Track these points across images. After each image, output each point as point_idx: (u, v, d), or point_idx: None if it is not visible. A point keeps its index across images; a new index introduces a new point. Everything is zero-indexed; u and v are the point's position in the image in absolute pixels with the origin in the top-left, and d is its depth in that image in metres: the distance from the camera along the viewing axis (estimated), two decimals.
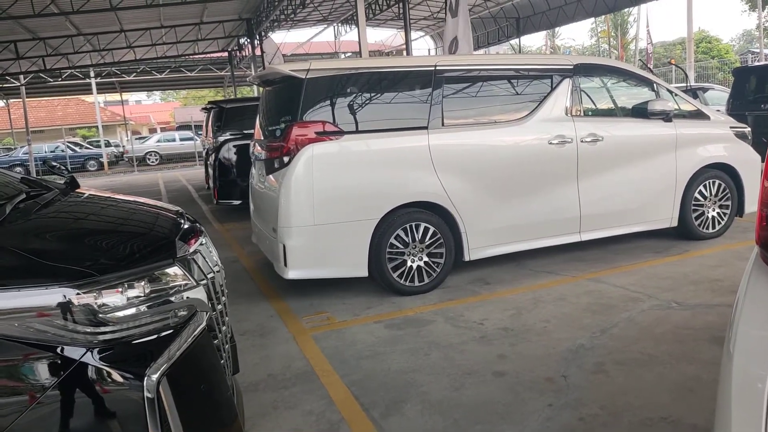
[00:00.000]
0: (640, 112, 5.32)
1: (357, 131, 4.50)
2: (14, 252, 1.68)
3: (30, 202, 2.21)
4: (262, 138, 5.28)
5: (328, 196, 4.34)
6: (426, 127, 4.61)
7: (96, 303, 1.66)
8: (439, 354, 3.49)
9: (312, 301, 4.63)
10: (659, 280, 4.55)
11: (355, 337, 3.86)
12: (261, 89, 5.91)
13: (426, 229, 4.56)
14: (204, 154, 11.76)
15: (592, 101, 5.41)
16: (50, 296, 1.61)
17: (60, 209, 2.30)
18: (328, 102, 4.49)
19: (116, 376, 1.66)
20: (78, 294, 1.63)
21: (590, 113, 5.30)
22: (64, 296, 1.62)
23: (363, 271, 4.45)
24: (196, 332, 1.90)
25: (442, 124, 4.66)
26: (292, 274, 4.37)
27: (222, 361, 2.16)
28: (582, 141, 5.03)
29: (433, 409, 2.88)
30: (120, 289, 1.73)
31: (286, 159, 4.43)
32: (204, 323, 1.96)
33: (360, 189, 4.41)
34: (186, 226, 2.27)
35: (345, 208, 4.37)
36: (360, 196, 4.40)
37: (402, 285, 4.53)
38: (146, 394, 1.67)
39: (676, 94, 5.61)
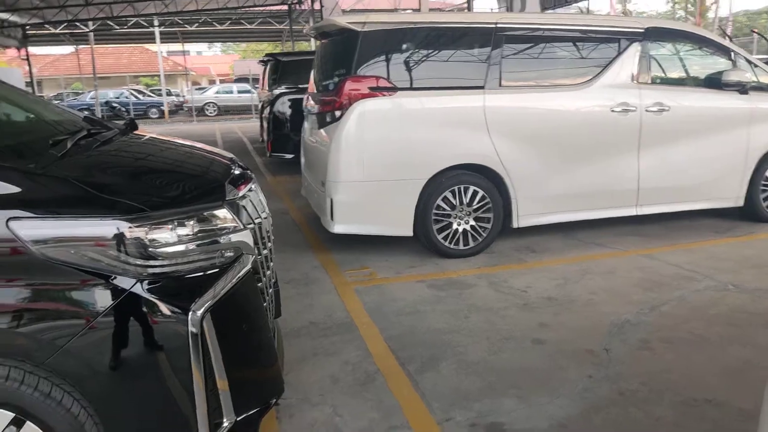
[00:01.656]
0: (714, 82, 5.02)
1: (411, 88, 4.42)
2: (74, 184, 1.74)
3: (90, 140, 2.28)
4: (316, 92, 5.27)
5: (378, 153, 4.32)
6: (482, 87, 4.48)
7: (147, 237, 1.71)
8: (479, 317, 3.48)
9: (356, 256, 4.67)
10: (718, 261, 4.36)
11: (396, 293, 3.88)
12: (317, 43, 5.87)
13: (475, 193, 4.49)
14: (259, 107, 11.87)
15: (662, 68, 5.13)
16: (105, 228, 1.67)
17: (118, 148, 2.36)
18: (383, 57, 4.42)
19: (163, 308, 1.72)
20: (130, 227, 1.68)
21: (658, 81, 5.03)
22: (118, 228, 1.68)
23: (408, 231, 4.44)
24: (240, 273, 1.94)
25: (500, 85, 4.52)
26: (337, 228, 4.40)
27: (265, 304, 2.21)
28: (647, 110, 4.80)
29: (468, 369, 2.88)
30: (170, 226, 1.77)
31: (338, 113, 4.42)
32: (249, 266, 2.01)
33: (410, 147, 4.36)
34: (236, 172, 2.30)
35: (394, 166, 4.34)
36: (410, 154, 4.36)
37: (446, 247, 4.50)
38: (190, 328, 1.73)
39: (755, 65, 5.25)
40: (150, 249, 1.72)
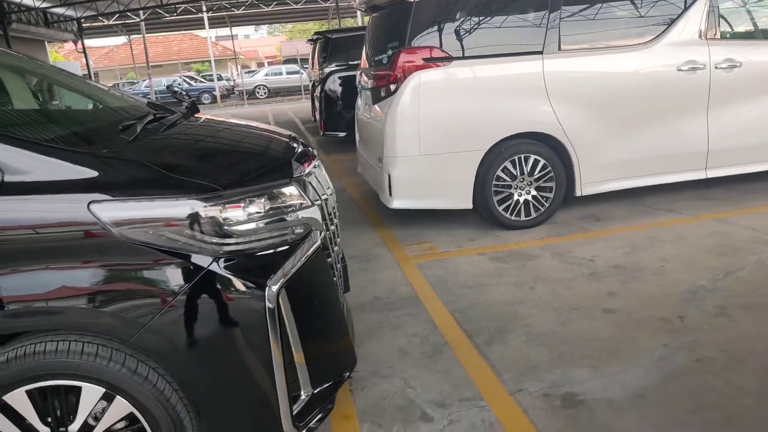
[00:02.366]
0: None
1: (466, 57, 4.32)
2: (148, 166, 1.79)
3: (156, 123, 2.33)
4: (368, 67, 5.23)
5: (435, 126, 4.26)
6: (540, 52, 4.34)
7: (221, 216, 1.75)
8: (545, 288, 3.42)
9: (415, 231, 4.66)
10: None
11: (458, 267, 3.86)
12: (367, 18, 5.81)
13: (536, 162, 4.38)
14: (310, 86, 11.93)
15: (731, 23, 4.82)
16: (180, 208, 1.71)
17: (184, 130, 2.41)
18: (436, 26, 4.33)
19: (240, 285, 1.76)
20: (205, 207, 1.72)
21: (728, 36, 4.73)
22: (193, 208, 1.71)
23: (467, 204, 4.39)
24: (311, 249, 1.96)
25: (559, 49, 4.36)
26: (396, 203, 4.40)
27: (334, 279, 2.23)
28: (716, 67, 4.53)
29: (537, 340, 2.84)
30: (242, 204, 1.80)
31: (392, 87, 4.37)
32: (319, 241, 2.02)
33: (467, 118, 4.28)
34: (300, 149, 2.31)
35: (451, 139, 4.28)
36: (467, 125, 4.28)
37: (507, 219, 4.43)
38: (267, 303, 1.76)
39: None
40: (225, 227, 1.75)
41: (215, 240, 1.73)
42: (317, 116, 9.56)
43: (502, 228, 4.47)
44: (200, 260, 1.72)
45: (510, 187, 4.39)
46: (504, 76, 4.35)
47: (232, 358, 1.79)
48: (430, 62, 4.27)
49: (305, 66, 20.76)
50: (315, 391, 2.00)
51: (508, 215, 4.42)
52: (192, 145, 2.26)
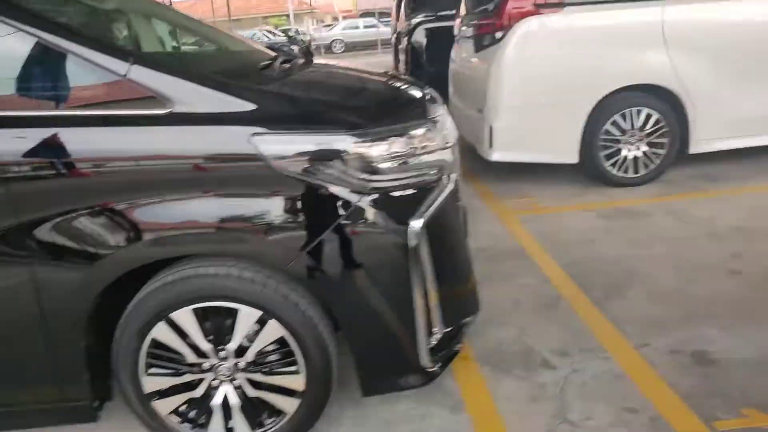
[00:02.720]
0: None
1: (579, 3, 4.11)
2: (301, 101, 1.82)
3: (288, 65, 2.36)
4: (469, 14, 5.08)
5: (543, 75, 4.11)
6: None
7: (369, 152, 1.76)
8: (662, 247, 3.29)
9: (513, 186, 4.57)
10: None
11: (563, 222, 3.77)
12: None
13: (648, 116, 4.16)
14: (393, 38, 11.75)
15: None
16: (334, 142, 1.74)
17: (315, 71, 2.43)
18: None
19: (385, 222, 1.79)
20: (356, 143, 1.74)
21: None
22: (345, 143, 1.73)
23: (573, 158, 4.24)
24: (446, 191, 1.95)
25: None
26: (496, 156, 4.31)
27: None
28: None
29: (660, 298, 2.75)
30: (388, 142, 1.80)
31: (498, 35, 4.24)
32: (452, 183, 2.01)
33: (578, 68, 4.10)
34: (430, 94, 2.28)
35: (560, 89, 4.11)
36: (578, 75, 4.10)
37: (614, 175, 4.26)
38: (410, 241, 1.78)
39: None
40: (372, 164, 1.77)
41: (364, 176, 1.75)
42: (402, 68, 9.44)
43: (608, 185, 4.31)
44: (350, 195, 1.75)
45: (619, 142, 4.20)
46: (619, 24, 4.11)
47: (375, 291, 1.83)
48: (540, 8, 4.09)
49: (382, 20, 20.49)
50: (446, 331, 2.03)
51: (615, 171, 4.25)
52: (330, 84, 2.28)
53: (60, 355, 1.84)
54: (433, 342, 1.96)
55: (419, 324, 1.86)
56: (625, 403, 2.09)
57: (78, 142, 1.67)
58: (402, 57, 9.36)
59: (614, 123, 4.16)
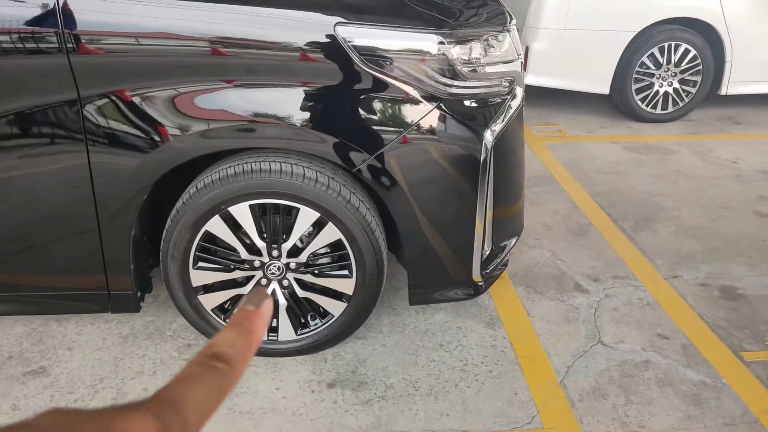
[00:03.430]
0: None
1: None
2: None
3: None
4: None
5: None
6: None
7: (452, 54, 1.68)
8: (689, 184, 3.30)
9: (539, 112, 4.50)
10: None
11: (591, 152, 3.74)
12: None
13: (686, 52, 4.06)
14: None
15: None
16: (420, 42, 1.65)
17: None
18: None
19: (460, 130, 1.74)
20: (440, 42, 1.66)
21: None
22: (429, 43, 1.65)
23: (604, 88, 4.16)
24: (515, 105, 1.90)
25: None
26: (530, 79, 4.19)
27: None
28: None
29: (687, 233, 2.79)
30: (468, 46, 1.73)
31: None
32: (521, 98, 1.96)
33: None
34: (503, 6, 2.17)
35: (601, 15, 3.97)
36: (621, 3, 3.95)
37: (642, 110, 4.21)
38: (482, 153, 1.75)
39: None
40: (455, 67, 1.69)
41: (444, 80, 1.69)
42: None
43: (635, 119, 4.26)
44: (427, 98, 1.70)
45: (652, 76, 4.12)
46: None
47: (441, 201, 1.82)
48: None
49: None
50: (493, 247, 2.04)
51: (644, 106, 4.19)
52: None
53: (109, 243, 1.81)
54: (484, 256, 1.97)
55: (477, 238, 1.86)
56: (657, 329, 2.15)
57: (150, 15, 1.56)
58: None
59: (651, 56, 4.06)
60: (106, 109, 1.63)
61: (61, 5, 1.51)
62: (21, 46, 1.53)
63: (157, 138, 1.66)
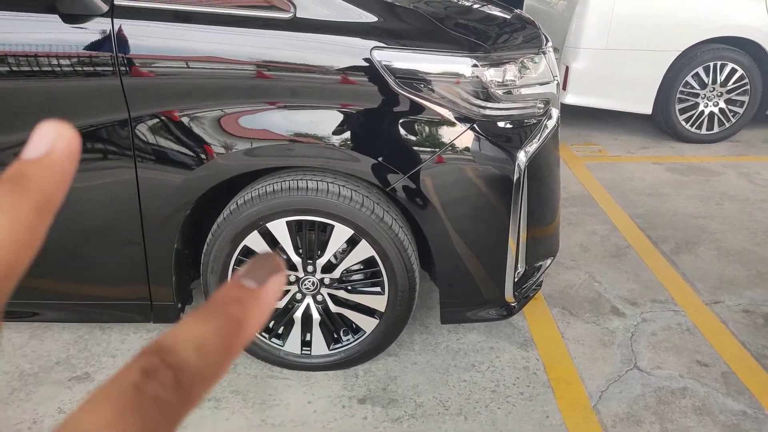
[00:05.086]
0: None
1: None
2: (424, 17, 1.75)
3: None
4: None
5: (627, 18, 3.91)
6: None
7: (487, 78, 1.71)
8: (734, 206, 3.21)
9: (579, 132, 4.46)
10: None
11: (632, 173, 3.69)
12: None
13: (732, 71, 3.97)
14: None
15: None
16: (455, 65, 1.68)
17: None
18: None
19: (493, 151, 1.76)
20: (474, 65, 1.68)
21: None
22: (464, 66, 1.68)
23: (647, 108, 4.10)
24: (551, 126, 1.91)
25: None
26: (569, 98, 4.18)
27: None
28: None
29: (731, 257, 2.71)
30: (503, 69, 1.75)
31: None
32: (556, 119, 1.97)
33: (666, 14, 3.89)
34: (540, 29, 2.18)
35: (643, 35, 3.93)
36: (665, 21, 3.90)
37: (687, 130, 4.13)
38: (515, 174, 1.76)
39: None
40: (487, 90, 1.72)
41: (477, 102, 1.71)
42: None
43: (679, 139, 4.18)
44: (461, 120, 1.72)
45: (697, 96, 4.04)
46: None
47: (474, 220, 1.83)
48: None
49: None
50: (527, 267, 2.03)
51: (688, 126, 4.11)
52: (445, 5, 2.17)
53: (153, 256, 1.88)
54: (517, 277, 1.97)
55: (510, 258, 1.87)
56: (696, 356, 2.10)
57: (198, 40, 1.64)
58: None
59: (696, 75, 3.98)
60: (155, 129, 1.71)
61: (116, 31, 1.61)
62: (80, 69, 1.63)
63: (202, 156, 1.74)
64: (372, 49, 1.63)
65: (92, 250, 1.88)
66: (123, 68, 1.63)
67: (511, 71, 1.76)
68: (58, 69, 1.64)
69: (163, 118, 1.71)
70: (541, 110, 1.87)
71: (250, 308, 0.21)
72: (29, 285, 1.91)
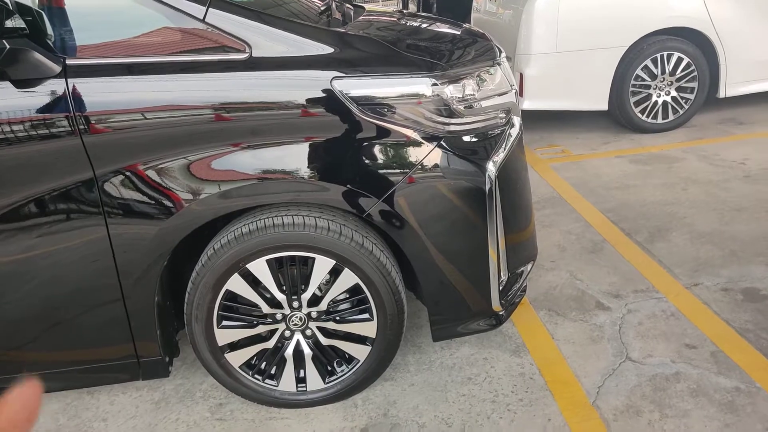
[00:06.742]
0: None
1: None
2: (378, 42, 1.78)
3: (346, 10, 2.31)
4: None
5: (574, 21, 4.03)
6: None
7: (447, 94, 1.73)
8: (698, 189, 3.30)
9: (541, 135, 4.55)
10: None
11: (598, 169, 3.77)
12: None
13: (679, 60, 4.11)
14: None
15: None
16: (414, 86, 1.70)
17: (372, 19, 2.36)
18: None
19: (462, 165, 1.78)
20: (434, 85, 1.71)
21: None
22: (425, 86, 1.70)
23: (603, 105, 4.21)
24: (514, 134, 1.95)
25: None
26: (527, 104, 4.27)
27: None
28: None
29: (703, 239, 2.78)
30: (462, 84, 1.78)
31: None
32: (519, 128, 2.01)
33: (610, 12, 4.02)
34: (491, 40, 2.24)
35: (591, 34, 4.05)
36: (609, 20, 4.03)
37: (643, 121, 4.24)
38: (486, 185, 1.78)
39: None
40: (450, 107, 1.75)
41: (441, 119, 1.74)
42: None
43: (637, 131, 4.30)
44: (428, 139, 1.74)
45: (649, 87, 4.17)
46: None
47: (452, 235, 1.84)
48: None
49: None
50: (510, 275, 2.05)
51: (644, 117, 4.23)
52: (398, 28, 2.21)
53: (134, 311, 1.84)
54: (501, 286, 1.99)
55: (492, 267, 1.88)
56: (684, 340, 2.14)
57: (155, 90, 1.63)
58: (412, 6, 9.16)
59: (645, 68, 4.11)
60: (123, 183, 1.69)
61: (71, 90, 1.60)
62: (39, 132, 1.61)
63: (172, 205, 1.72)
64: (332, 79, 1.65)
65: (72, 314, 1.83)
66: (82, 127, 1.61)
67: (469, 85, 1.80)
68: (16, 136, 1.61)
69: (128, 172, 1.69)
70: (504, 120, 1.91)
71: None
72: (10, 359, 1.85)
